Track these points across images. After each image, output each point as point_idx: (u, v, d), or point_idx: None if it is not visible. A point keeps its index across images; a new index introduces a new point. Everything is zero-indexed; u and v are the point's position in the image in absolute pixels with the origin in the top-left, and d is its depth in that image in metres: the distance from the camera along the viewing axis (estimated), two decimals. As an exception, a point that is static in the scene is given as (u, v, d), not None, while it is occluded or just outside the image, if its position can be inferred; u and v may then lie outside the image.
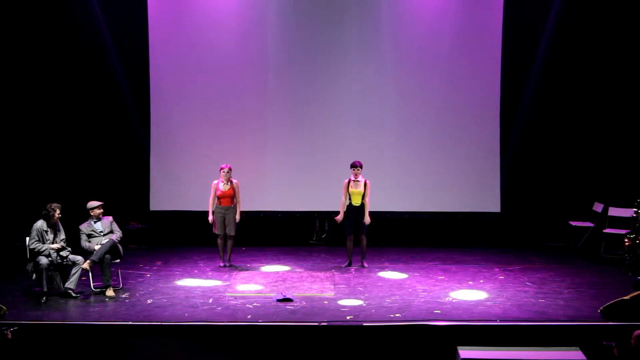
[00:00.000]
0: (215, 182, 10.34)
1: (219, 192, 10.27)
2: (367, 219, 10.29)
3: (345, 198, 10.36)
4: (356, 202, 10.30)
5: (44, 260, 8.74)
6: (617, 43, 11.79)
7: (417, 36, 12.00)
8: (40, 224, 8.91)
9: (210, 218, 10.37)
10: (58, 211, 8.99)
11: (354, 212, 10.33)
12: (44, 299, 8.64)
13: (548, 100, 12.08)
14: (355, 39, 11.96)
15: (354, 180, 10.28)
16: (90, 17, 11.69)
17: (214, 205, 10.35)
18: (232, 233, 10.38)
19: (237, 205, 10.36)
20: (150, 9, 11.91)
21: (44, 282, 8.70)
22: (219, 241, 10.49)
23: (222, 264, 10.54)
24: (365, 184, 10.27)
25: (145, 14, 11.89)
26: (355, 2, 11.95)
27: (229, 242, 10.49)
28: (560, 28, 11.83)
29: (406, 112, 12.07)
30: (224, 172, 10.24)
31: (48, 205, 8.96)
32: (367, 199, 10.28)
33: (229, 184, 10.28)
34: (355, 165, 10.28)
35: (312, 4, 11.98)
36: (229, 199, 10.29)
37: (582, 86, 12.00)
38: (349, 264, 10.53)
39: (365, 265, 10.51)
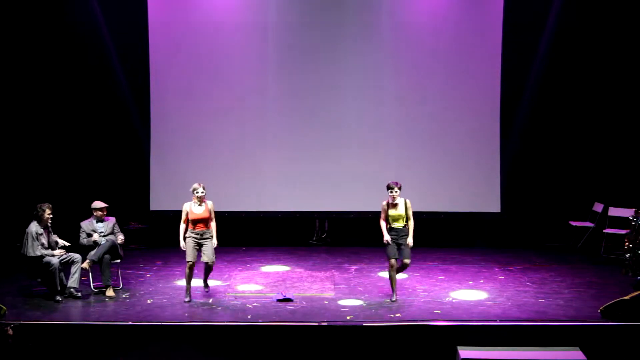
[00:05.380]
0: (188, 204, 8.90)
1: (192, 216, 8.78)
2: (410, 241, 8.81)
3: (385, 222, 8.93)
4: (397, 224, 8.87)
5: (54, 261, 8.71)
6: (617, 43, 11.79)
7: (417, 37, 12.00)
8: (35, 227, 8.78)
9: (182, 245, 8.89)
10: (49, 211, 8.83)
11: (396, 234, 8.84)
12: (59, 297, 8.64)
13: (548, 101, 12.08)
14: (355, 40, 11.94)
15: (392, 203, 8.88)
16: (90, 18, 11.70)
17: (187, 231, 8.88)
18: (213, 260, 8.85)
19: (213, 230, 8.90)
20: (150, 10, 11.91)
21: (57, 282, 8.69)
22: (187, 270, 8.74)
23: (187, 300, 8.72)
24: (405, 203, 8.90)
25: (145, 14, 11.89)
26: (355, 3, 11.95)
27: (208, 268, 8.99)
28: (560, 28, 11.82)
29: (406, 112, 12.06)
30: (197, 192, 8.77)
31: (38, 206, 8.84)
32: (411, 220, 8.87)
33: (203, 205, 8.84)
34: (391, 187, 8.83)
35: (312, 5, 11.97)
36: (204, 223, 8.83)
37: (582, 86, 11.99)
38: (394, 299, 8.81)
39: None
